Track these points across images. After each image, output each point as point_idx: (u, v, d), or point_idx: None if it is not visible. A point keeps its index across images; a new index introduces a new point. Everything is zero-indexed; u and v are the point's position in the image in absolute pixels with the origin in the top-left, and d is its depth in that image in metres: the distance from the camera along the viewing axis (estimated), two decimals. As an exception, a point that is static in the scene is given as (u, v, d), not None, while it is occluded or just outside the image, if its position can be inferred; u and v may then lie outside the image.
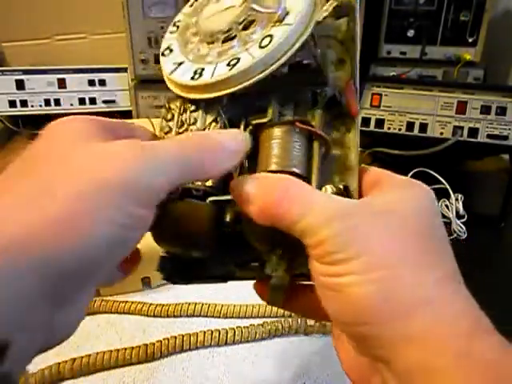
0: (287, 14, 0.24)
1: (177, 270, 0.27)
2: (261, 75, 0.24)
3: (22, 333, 0.16)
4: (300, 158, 0.23)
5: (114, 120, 0.23)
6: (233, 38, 0.26)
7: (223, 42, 0.26)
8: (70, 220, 0.17)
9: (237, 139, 0.22)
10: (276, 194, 0.21)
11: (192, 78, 0.25)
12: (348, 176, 0.25)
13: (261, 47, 0.24)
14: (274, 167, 0.23)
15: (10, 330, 0.15)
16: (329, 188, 0.23)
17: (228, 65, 0.24)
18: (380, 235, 0.19)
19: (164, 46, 0.29)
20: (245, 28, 0.26)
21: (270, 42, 0.24)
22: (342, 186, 0.24)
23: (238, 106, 0.26)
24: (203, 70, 0.25)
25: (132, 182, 0.18)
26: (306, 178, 0.23)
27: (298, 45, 0.24)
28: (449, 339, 0.18)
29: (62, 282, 0.17)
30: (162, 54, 0.29)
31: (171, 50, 0.28)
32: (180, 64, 0.27)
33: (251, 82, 0.24)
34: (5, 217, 0.16)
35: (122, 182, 0.17)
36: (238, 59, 0.24)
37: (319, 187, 0.23)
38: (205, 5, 0.29)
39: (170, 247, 0.26)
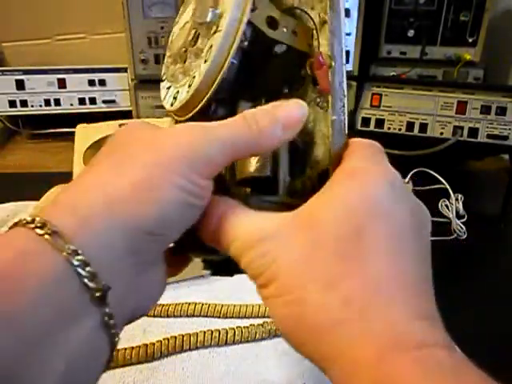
0: (220, 18, 0.25)
1: (221, 264, 0.28)
2: (212, 88, 0.25)
3: (118, 281, 0.19)
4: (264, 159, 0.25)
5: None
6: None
7: (184, 61, 0.27)
8: (146, 184, 0.20)
9: (290, 112, 0.23)
10: (212, 221, 0.22)
11: (172, 104, 0.27)
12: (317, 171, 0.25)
13: (205, 61, 0.25)
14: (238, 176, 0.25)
15: (109, 276, 0.18)
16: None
17: (189, 85, 0.25)
18: (290, 258, 0.20)
19: (162, 70, 0.30)
20: (195, 43, 0.26)
21: (210, 53, 0.24)
22: (308, 181, 0.25)
23: (225, 106, 0.26)
24: (178, 92, 0.26)
25: (195, 155, 0.21)
26: (270, 179, 0.25)
27: (235, 45, 0.24)
28: (359, 361, 0.17)
29: (142, 238, 0.20)
30: (161, 80, 0.30)
31: (164, 74, 0.29)
32: (168, 88, 0.28)
33: (205, 100, 0.25)
34: (100, 180, 0.20)
35: (186, 154, 0.20)
36: (194, 77, 0.25)
37: (287, 183, 0.25)
38: (175, 25, 0.30)
39: (193, 255, 0.27)
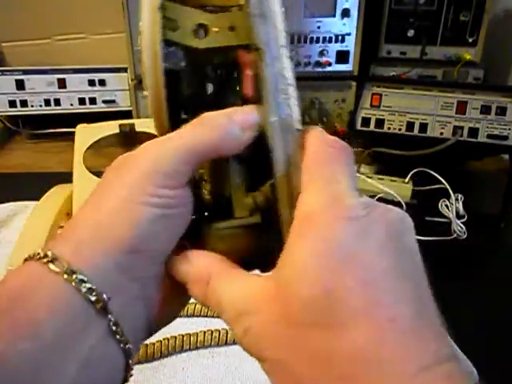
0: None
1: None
2: (163, 111, 0.24)
3: (118, 294, 0.21)
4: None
5: None
6: None
7: None
8: (119, 209, 0.22)
9: (245, 115, 0.23)
10: (199, 288, 0.23)
11: None
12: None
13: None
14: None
15: (107, 290, 0.20)
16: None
17: None
18: (270, 336, 0.19)
19: None
20: None
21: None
22: (261, 195, 0.24)
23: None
24: None
25: (155, 171, 0.22)
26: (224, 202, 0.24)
27: (160, 69, 0.23)
28: None
29: (128, 257, 0.21)
30: None
31: None
32: None
33: (163, 121, 0.25)
34: (85, 216, 0.22)
35: (147, 172, 0.22)
36: None
37: (242, 202, 0.24)
38: None
39: None
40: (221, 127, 0.22)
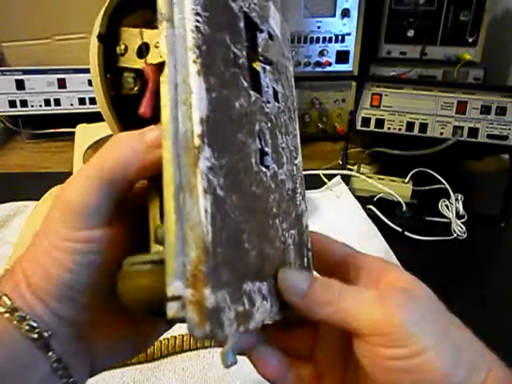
0: None
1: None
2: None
3: (57, 335, 0.21)
4: None
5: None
6: None
7: None
8: (35, 258, 0.22)
9: (140, 139, 0.22)
10: (335, 309, 0.23)
11: None
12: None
13: None
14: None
15: (45, 328, 0.21)
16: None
17: None
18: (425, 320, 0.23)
19: None
20: None
21: None
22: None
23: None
24: None
25: (67, 211, 0.21)
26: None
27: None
28: None
29: (60, 305, 0.21)
30: None
31: None
32: None
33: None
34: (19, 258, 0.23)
35: (60, 213, 0.22)
36: None
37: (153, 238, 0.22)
38: None
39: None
40: (127, 146, 0.22)
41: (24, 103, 0.91)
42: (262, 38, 0.27)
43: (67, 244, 0.21)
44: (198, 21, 0.21)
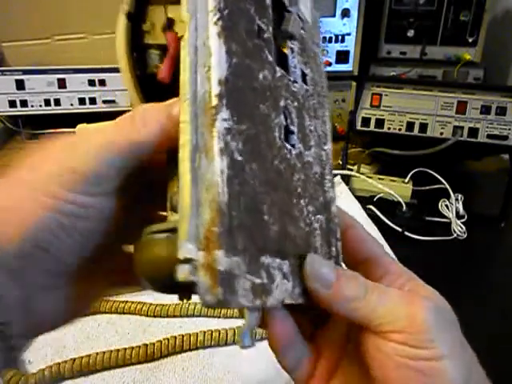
0: None
1: None
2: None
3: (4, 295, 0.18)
4: None
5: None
6: None
7: None
8: (15, 206, 0.19)
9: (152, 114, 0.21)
10: (363, 305, 0.22)
11: None
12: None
13: None
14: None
15: None
16: None
17: None
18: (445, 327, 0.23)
19: None
20: None
21: None
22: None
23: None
24: None
25: (67, 169, 0.19)
26: None
27: None
28: None
29: (17, 262, 0.19)
30: None
31: None
32: None
33: None
34: None
35: (56, 171, 0.19)
36: None
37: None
38: None
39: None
40: (156, 124, 0.20)
41: (24, 103, 0.91)
42: (290, 17, 0.26)
43: (55, 202, 0.19)
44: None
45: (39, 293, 0.20)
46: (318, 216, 0.26)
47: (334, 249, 0.27)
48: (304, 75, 0.28)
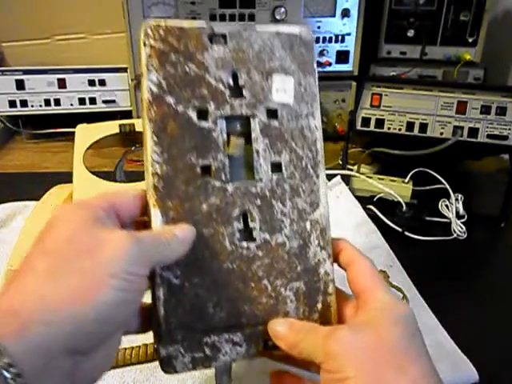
0: None
1: None
2: None
3: (53, 376, 0.22)
4: None
5: (108, 197, 0.29)
6: None
7: None
8: (83, 289, 0.23)
9: (184, 231, 0.29)
10: (302, 346, 0.29)
11: None
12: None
13: None
14: None
15: (40, 374, 0.21)
16: None
17: None
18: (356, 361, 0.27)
19: None
20: None
21: None
22: None
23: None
24: None
25: (124, 261, 0.24)
26: None
27: None
28: None
29: (80, 338, 0.23)
30: None
31: None
32: None
33: None
34: (38, 286, 0.22)
35: (117, 259, 0.24)
36: None
37: None
38: None
39: None
40: (187, 242, 0.29)
41: (24, 103, 0.91)
42: (255, 123, 0.33)
43: (123, 282, 0.24)
44: (157, 162, 0.29)
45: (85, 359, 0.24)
46: (293, 284, 0.32)
47: (319, 305, 0.33)
48: (277, 165, 0.33)
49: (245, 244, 0.31)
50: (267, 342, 0.31)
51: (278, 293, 0.32)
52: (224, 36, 0.32)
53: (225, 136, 0.32)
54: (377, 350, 0.27)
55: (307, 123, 0.34)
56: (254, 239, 0.31)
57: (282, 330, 0.30)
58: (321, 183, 0.35)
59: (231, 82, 0.32)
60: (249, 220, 0.31)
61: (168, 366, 0.29)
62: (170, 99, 0.30)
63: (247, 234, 0.32)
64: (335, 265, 0.34)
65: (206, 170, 0.31)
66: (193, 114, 0.30)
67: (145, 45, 0.30)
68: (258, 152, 0.32)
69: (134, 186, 0.55)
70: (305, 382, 0.33)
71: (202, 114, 0.31)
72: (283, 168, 0.33)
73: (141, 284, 0.26)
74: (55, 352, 0.21)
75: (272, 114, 0.33)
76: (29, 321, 0.21)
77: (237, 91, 0.32)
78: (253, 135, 0.33)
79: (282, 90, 0.33)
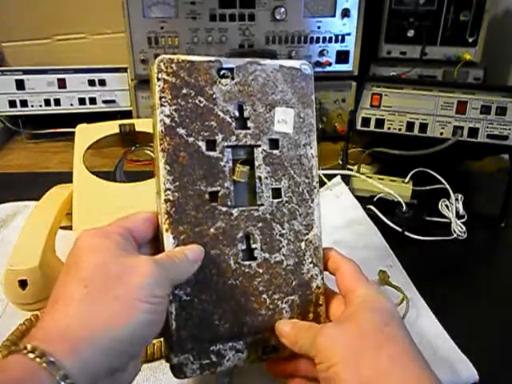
0: None
1: None
2: None
3: None
4: None
5: (122, 223, 0.32)
6: None
7: None
8: (119, 313, 0.26)
9: (194, 252, 0.32)
10: (300, 343, 0.33)
11: None
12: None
13: None
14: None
15: None
16: None
17: None
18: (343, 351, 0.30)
19: None
20: None
21: None
22: None
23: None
24: None
25: (150, 285, 0.28)
26: None
27: None
28: None
29: (118, 357, 0.26)
30: None
31: None
32: None
33: None
34: (81, 313, 0.26)
35: (144, 285, 0.28)
36: None
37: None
38: None
39: None
40: (197, 263, 0.32)
41: (24, 103, 0.91)
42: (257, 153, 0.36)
43: (151, 306, 0.27)
44: (169, 189, 0.32)
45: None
46: (289, 297, 0.36)
47: (310, 315, 0.37)
48: (277, 190, 0.36)
49: (247, 263, 0.35)
50: (266, 349, 0.36)
51: (275, 305, 0.36)
52: (231, 70, 0.34)
53: (231, 164, 0.34)
54: (357, 337, 0.30)
55: (305, 152, 0.37)
56: (255, 258, 0.35)
57: (286, 329, 0.35)
58: (315, 206, 0.38)
59: (237, 114, 0.34)
60: (251, 241, 0.35)
61: (179, 372, 0.33)
62: (182, 131, 0.32)
63: (249, 253, 0.35)
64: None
65: (214, 196, 0.34)
66: (202, 145, 0.33)
67: (158, 79, 0.32)
68: (260, 179, 0.36)
69: (133, 186, 0.55)
70: (299, 362, 0.36)
71: (211, 145, 0.33)
72: (282, 193, 0.36)
73: (164, 304, 0.29)
74: (100, 369, 0.25)
75: (274, 143, 0.36)
76: (76, 342, 0.24)
77: (242, 122, 0.35)
78: (256, 163, 0.36)
79: (283, 121, 0.36)
